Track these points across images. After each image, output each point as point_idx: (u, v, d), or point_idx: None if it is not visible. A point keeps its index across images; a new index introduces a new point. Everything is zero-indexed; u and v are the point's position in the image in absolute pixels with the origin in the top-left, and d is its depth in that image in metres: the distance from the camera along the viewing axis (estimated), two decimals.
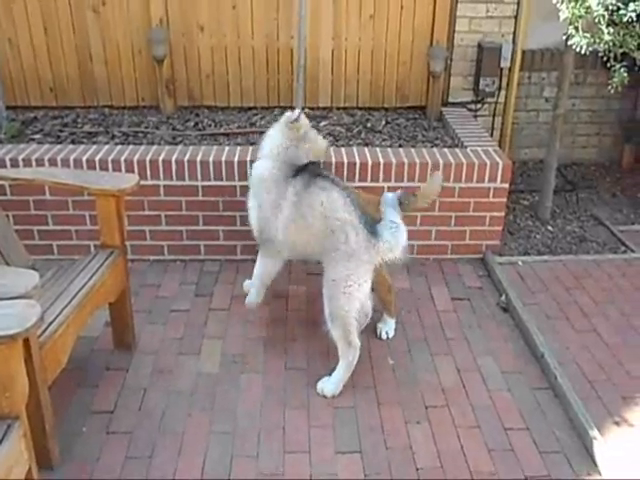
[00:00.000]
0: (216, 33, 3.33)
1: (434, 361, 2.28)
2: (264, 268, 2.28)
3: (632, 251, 3.06)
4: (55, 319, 1.76)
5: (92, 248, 2.71)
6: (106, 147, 2.80)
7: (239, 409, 2.03)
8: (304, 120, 2.19)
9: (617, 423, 2.03)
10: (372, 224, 2.03)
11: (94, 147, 2.80)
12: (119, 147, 2.81)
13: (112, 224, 2.09)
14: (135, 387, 2.10)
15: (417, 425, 2.00)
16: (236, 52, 3.38)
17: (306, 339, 2.37)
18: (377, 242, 1.99)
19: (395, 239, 1.98)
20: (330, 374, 2.12)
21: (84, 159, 2.67)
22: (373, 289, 2.27)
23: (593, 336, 2.45)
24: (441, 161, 2.77)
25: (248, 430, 1.95)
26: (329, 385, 2.10)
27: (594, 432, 1.94)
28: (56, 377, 1.76)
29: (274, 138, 2.19)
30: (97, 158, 2.67)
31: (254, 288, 2.34)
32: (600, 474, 1.85)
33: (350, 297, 2.03)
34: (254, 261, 2.85)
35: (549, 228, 3.25)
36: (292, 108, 3.40)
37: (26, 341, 1.52)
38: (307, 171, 2.12)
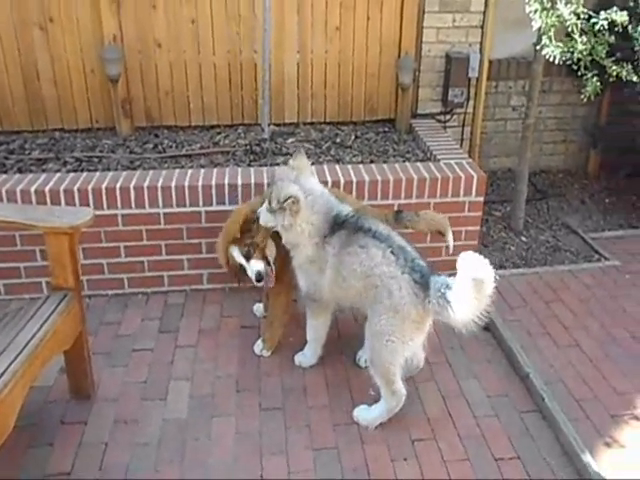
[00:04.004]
0: (174, 49, 3.17)
1: (418, 389, 2.17)
2: (316, 329, 2.20)
3: (606, 259, 3.05)
4: (1, 377, 1.57)
5: (44, 285, 2.51)
6: (57, 175, 2.60)
7: (211, 459, 1.87)
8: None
9: (608, 444, 1.97)
10: (425, 274, 1.82)
11: (44, 176, 2.59)
12: (72, 175, 2.61)
13: (65, 264, 1.90)
14: (95, 442, 1.92)
15: (404, 463, 1.88)
16: (196, 68, 3.23)
17: (280, 374, 2.23)
18: (426, 297, 1.79)
19: (443, 302, 1.73)
20: (370, 405, 2.04)
21: (32, 190, 2.46)
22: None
23: (576, 351, 2.41)
24: (415, 177, 2.69)
25: None
26: (367, 417, 2.01)
27: (587, 457, 1.87)
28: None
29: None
30: (47, 188, 2.47)
31: (310, 350, 2.26)
32: None
33: (393, 351, 1.90)
34: (222, 290, 2.74)
35: (523, 239, 3.22)
36: (257, 125, 3.31)
37: None
38: (345, 227, 1.95)
